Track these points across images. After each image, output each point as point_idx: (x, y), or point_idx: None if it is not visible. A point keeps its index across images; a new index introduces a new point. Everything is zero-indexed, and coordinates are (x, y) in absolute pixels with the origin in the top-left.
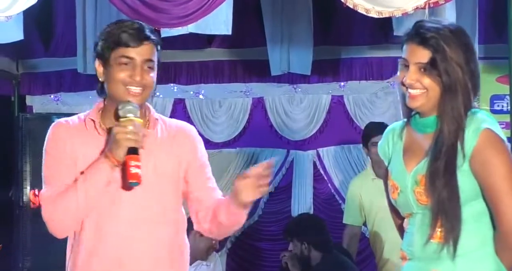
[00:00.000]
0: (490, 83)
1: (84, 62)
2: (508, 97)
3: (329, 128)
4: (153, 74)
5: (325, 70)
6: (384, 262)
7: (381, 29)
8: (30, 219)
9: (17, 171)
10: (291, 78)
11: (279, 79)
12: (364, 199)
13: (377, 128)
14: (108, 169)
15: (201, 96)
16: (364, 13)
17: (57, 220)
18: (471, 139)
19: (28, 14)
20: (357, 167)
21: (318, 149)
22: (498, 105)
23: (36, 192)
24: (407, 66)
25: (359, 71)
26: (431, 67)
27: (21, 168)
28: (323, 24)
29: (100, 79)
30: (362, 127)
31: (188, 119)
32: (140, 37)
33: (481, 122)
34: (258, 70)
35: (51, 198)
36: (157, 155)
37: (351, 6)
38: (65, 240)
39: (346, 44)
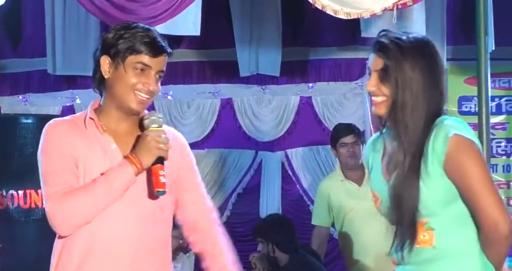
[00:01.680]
0: (458, 85)
1: (53, 63)
2: (476, 98)
3: (298, 129)
4: (159, 84)
5: (293, 71)
6: (353, 263)
7: (349, 31)
8: None
9: None
10: (259, 79)
11: (247, 80)
12: (333, 200)
13: (346, 129)
14: (133, 174)
15: (169, 97)
16: (333, 14)
17: (66, 217)
18: (441, 146)
19: None
20: (325, 168)
21: (286, 150)
22: (466, 107)
23: (4, 193)
24: (370, 75)
25: (327, 73)
26: (384, 75)
27: None
28: (291, 25)
29: (105, 76)
30: (331, 129)
31: None
32: (161, 49)
33: (449, 129)
34: (227, 71)
35: (58, 196)
36: None
37: (320, 7)
38: (36, 242)
39: (315, 45)
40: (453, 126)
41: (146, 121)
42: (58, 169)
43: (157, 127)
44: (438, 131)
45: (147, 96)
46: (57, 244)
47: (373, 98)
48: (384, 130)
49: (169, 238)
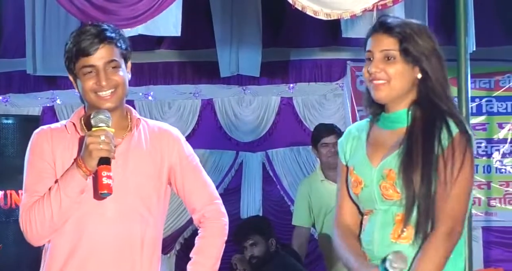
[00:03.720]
0: None
1: (33, 64)
2: (456, 99)
3: (278, 130)
4: (121, 72)
5: (274, 72)
6: (333, 263)
7: (330, 31)
8: None
9: None
10: (240, 80)
11: (228, 81)
12: (313, 200)
13: (327, 129)
14: (81, 178)
15: (150, 98)
16: (313, 15)
17: (32, 228)
18: (446, 137)
19: None
20: (306, 169)
21: (267, 151)
22: None
23: None
24: (370, 60)
25: (308, 73)
26: (404, 54)
27: None
28: (272, 25)
29: (77, 91)
30: (311, 129)
31: None
32: (95, 43)
33: (457, 124)
34: (208, 72)
35: (27, 206)
36: (139, 155)
37: (300, 8)
38: (16, 242)
39: (295, 46)
40: (461, 122)
41: (92, 122)
42: (33, 181)
43: (104, 126)
44: (449, 121)
45: (109, 91)
46: (45, 246)
47: (374, 82)
48: (379, 118)
49: (159, 238)
